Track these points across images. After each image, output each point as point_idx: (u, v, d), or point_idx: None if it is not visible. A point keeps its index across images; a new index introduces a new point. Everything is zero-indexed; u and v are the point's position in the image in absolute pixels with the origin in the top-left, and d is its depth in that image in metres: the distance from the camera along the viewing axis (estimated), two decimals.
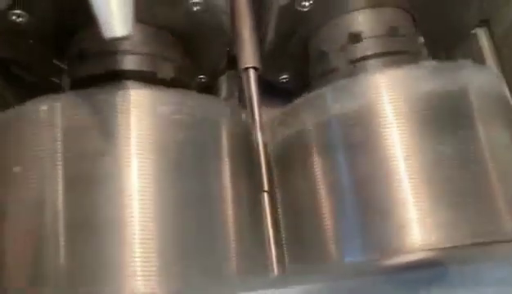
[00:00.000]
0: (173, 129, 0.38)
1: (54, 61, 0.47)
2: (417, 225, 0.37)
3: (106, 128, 0.37)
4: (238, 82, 0.54)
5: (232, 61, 0.53)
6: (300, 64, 0.53)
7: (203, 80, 0.55)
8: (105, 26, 0.33)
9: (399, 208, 0.38)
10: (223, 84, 0.59)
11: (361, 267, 0.33)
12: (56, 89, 0.44)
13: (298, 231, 0.43)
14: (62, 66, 0.46)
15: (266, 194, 0.45)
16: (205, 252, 0.37)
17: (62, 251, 0.35)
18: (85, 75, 0.44)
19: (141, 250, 0.35)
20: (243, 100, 0.50)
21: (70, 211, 0.36)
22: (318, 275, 0.30)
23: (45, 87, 0.48)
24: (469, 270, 0.27)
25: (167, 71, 0.45)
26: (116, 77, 0.43)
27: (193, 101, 0.40)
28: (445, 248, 0.36)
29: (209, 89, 0.57)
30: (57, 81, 0.49)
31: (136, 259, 0.35)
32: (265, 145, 0.46)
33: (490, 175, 0.39)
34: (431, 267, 0.27)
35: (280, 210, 0.45)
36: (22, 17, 0.42)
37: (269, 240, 0.42)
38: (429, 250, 0.37)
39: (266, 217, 0.44)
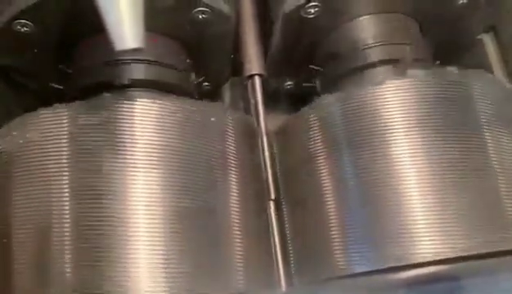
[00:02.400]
0: (179, 137, 0.38)
1: (60, 67, 0.46)
2: (426, 235, 0.37)
3: (112, 138, 0.37)
4: (242, 90, 0.54)
5: (235, 69, 0.53)
6: (305, 70, 0.53)
7: (206, 87, 0.54)
8: (116, 38, 0.33)
9: (408, 218, 0.38)
10: (226, 92, 0.59)
11: (373, 281, 0.32)
12: (58, 96, 0.44)
13: (306, 241, 0.43)
14: (68, 71, 0.46)
15: (272, 203, 0.44)
16: (212, 263, 0.37)
17: (68, 260, 0.35)
18: (89, 84, 0.44)
19: (147, 260, 0.35)
20: (247, 108, 0.50)
21: (76, 220, 0.35)
22: (327, 289, 0.30)
23: (47, 94, 0.48)
24: (483, 282, 0.27)
25: (171, 79, 0.45)
26: (120, 86, 0.42)
27: (199, 109, 0.40)
28: (456, 258, 0.36)
29: (212, 96, 0.56)
30: (59, 88, 0.49)
31: (142, 270, 0.34)
32: (271, 152, 0.46)
33: (499, 182, 0.39)
34: (446, 280, 0.27)
35: (286, 219, 0.45)
36: (27, 27, 0.42)
37: (276, 250, 0.42)
38: (440, 261, 0.36)
39: (272, 226, 0.44)
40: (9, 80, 0.49)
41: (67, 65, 0.46)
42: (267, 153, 0.45)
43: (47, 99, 0.40)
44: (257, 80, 0.49)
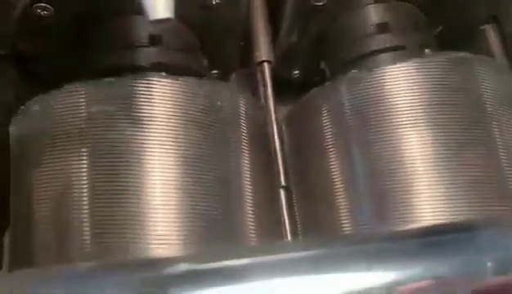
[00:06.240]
0: (195, 116, 0.39)
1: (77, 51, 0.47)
2: (429, 205, 0.39)
3: (129, 116, 0.38)
4: (250, 80, 0.55)
5: (242, 60, 0.55)
6: (312, 59, 0.54)
7: (215, 75, 0.55)
8: (150, 9, 0.36)
9: (412, 190, 0.39)
10: (233, 81, 0.60)
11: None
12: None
13: (312, 213, 0.45)
14: (85, 56, 0.47)
15: (283, 180, 0.45)
16: (224, 224, 0.38)
17: (87, 231, 0.36)
18: (105, 68, 0.45)
19: (163, 231, 0.36)
20: (256, 96, 0.51)
21: (94, 192, 0.37)
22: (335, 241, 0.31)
23: (63, 83, 0.50)
24: (499, 234, 0.28)
25: (186, 63, 0.46)
26: (136, 70, 0.44)
27: (214, 90, 0.41)
28: None
29: None
30: (75, 74, 0.50)
31: (158, 225, 0.36)
32: (280, 135, 0.47)
33: (501, 157, 0.40)
34: (459, 232, 0.28)
35: (294, 198, 0.46)
36: (47, 10, 0.43)
37: (284, 218, 0.43)
38: None
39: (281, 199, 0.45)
40: (21, 66, 0.50)
41: (84, 50, 0.48)
42: (275, 134, 0.46)
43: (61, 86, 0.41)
44: (266, 67, 0.50)
